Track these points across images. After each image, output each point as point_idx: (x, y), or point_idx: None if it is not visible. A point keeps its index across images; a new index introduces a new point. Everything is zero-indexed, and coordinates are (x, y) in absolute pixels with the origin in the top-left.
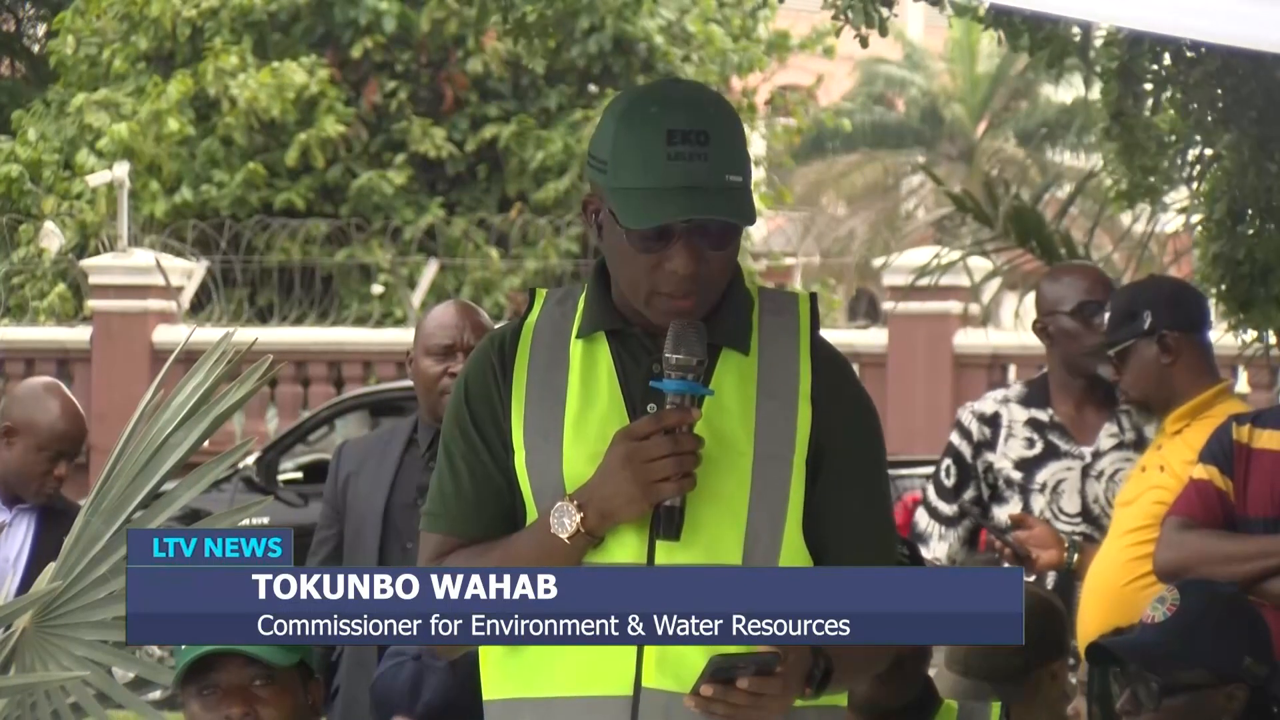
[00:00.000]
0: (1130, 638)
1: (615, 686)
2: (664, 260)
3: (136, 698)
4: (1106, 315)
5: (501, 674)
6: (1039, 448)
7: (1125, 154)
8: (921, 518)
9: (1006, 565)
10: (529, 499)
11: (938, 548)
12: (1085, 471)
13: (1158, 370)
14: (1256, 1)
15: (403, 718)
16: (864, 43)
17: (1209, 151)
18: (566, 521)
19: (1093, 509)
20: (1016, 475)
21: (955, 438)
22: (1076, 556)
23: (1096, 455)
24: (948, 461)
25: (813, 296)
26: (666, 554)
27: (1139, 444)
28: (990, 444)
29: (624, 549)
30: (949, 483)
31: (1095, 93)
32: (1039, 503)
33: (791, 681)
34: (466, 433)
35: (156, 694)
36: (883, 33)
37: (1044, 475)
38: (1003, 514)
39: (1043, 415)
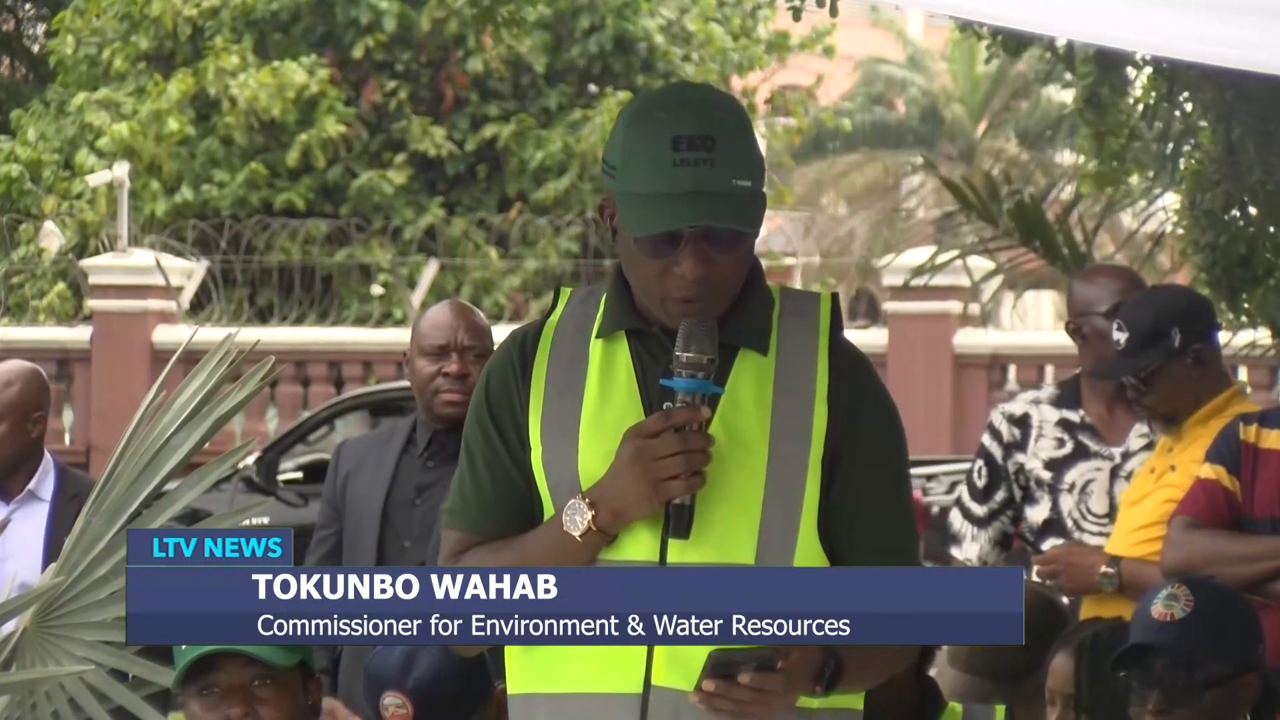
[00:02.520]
0: (1166, 637)
1: (626, 684)
2: (673, 265)
3: (137, 697)
4: (1125, 336)
5: (520, 669)
6: (1069, 448)
7: (1097, 140)
8: (955, 519)
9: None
10: (546, 496)
11: (970, 548)
12: (1114, 472)
13: (1189, 384)
14: (1236, 25)
15: (394, 693)
16: (796, 15)
17: (1197, 145)
18: (579, 519)
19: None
20: (1046, 475)
21: (987, 439)
22: (1117, 578)
23: (1126, 455)
24: (980, 463)
25: (834, 297)
26: (679, 552)
27: None
28: (1020, 445)
29: (637, 546)
30: (980, 484)
31: (1069, 96)
32: (1067, 503)
33: (796, 678)
34: (486, 430)
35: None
36: (833, 13)
37: (1072, 475)
38: (1034, 515)
39: (1074, 416)
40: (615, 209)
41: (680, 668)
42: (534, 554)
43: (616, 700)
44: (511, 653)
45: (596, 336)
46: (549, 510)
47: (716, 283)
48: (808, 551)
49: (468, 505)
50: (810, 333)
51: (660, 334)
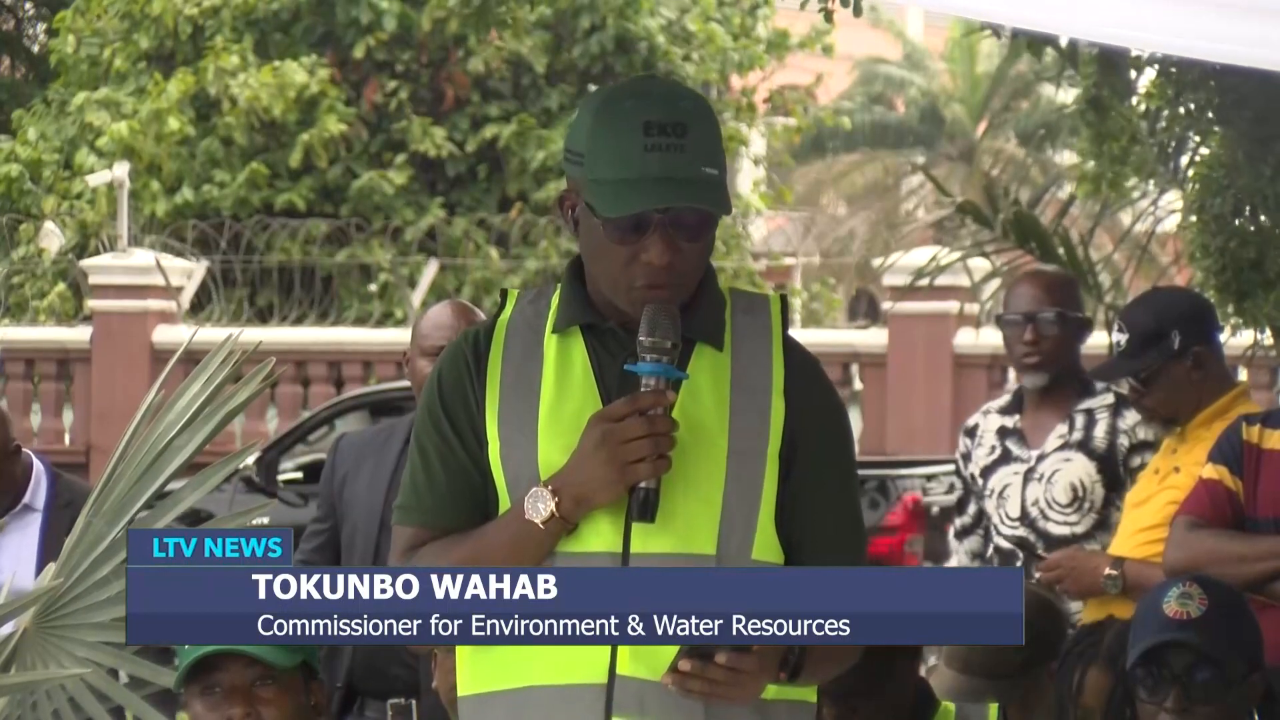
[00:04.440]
0: (1188, 634)
1: (590, 674)
2: (639, 251)
3: (137, 698)
4: (1125, 337)
5: (473, 669)
6: (997, 453)
7: (1097, 141)
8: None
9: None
10: (503, 492)
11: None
12: (1027, 475)
13: (1189, 386)
14: (1245, 22)
15: None
16: (828, 17)
17: (1204, 150)
18: (541, 506)
19: (1030, 512)
20: (980, 482)
21: (958, 453)
22: (1121, 579)
23: (1041, 458)
24: (955, 477)
25: (783, 298)
26: (642, 538)
27: (1085, 443)
28: (969, 455)
29: (599, 534)
30: (956, 497)
31: (1069, 96)
32: (989, 507)
33: (767, 661)
34: (440, 427)
35: None
36: (856, 12)
37: (994, 481)
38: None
39: (1009, 422)
40: (576, 201)
41: (646, 657)
42: (492, 544)
43: (581, 691)
44: (464, 652)
45: (552, 332)
46: (505, 507)
47: (681, 271)
48: (766, 543)
49: (420, 500)
50: (763, 331)
51: (616, 329)
